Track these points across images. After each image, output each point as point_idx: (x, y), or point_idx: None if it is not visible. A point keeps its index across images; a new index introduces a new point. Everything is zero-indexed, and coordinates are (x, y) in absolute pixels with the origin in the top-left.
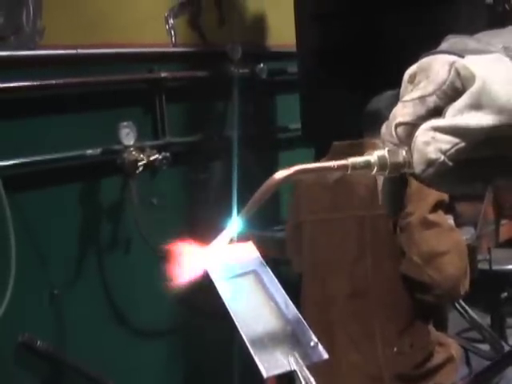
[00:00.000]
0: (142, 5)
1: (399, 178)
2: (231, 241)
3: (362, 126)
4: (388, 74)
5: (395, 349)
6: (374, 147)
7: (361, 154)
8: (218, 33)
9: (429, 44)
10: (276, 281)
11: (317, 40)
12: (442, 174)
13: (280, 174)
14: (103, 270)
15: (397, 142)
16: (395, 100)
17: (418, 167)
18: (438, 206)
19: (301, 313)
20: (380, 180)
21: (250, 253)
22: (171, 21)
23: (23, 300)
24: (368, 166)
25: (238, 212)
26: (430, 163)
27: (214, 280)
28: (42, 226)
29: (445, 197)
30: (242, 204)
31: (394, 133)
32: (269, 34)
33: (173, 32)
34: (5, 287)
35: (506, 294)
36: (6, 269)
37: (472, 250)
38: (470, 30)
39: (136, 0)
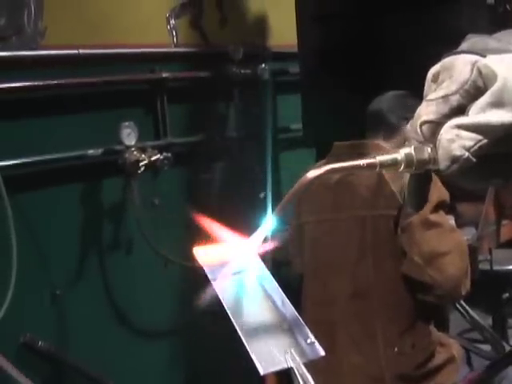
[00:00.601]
0: (144, 5)
1: (424, 174)
2: (265, 239)
3: (363, 126)
4: (389, 74)
5: (396, 349)
6: (376, 148)
7: (362, 154)
8: (219, 33)
9: (430, 45)
10: (273, 279)
11: (318, 41)
12: (466, 170)
13: (312, 174)
14: (105, 270)
15: (422, 140)
16: (397, 101)
17: (442, 164)
18: (439, 207)
19: (302, 313)
20: (397, 182)
21: (247, 251)
22: (173, 21)
23: (25, 300)
24: (395, 163)
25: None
26: (455, 160)
27: (211, 279)
28: (44, 227)
29: (446, 197)
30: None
31: (419, 131)
32: (270, 35)
33: (174, 32)
34: (6, 287)
35: (507, 294)
36: (7, 269)
37: (473, 251)
38: (472, 31)
39: (138, 0)
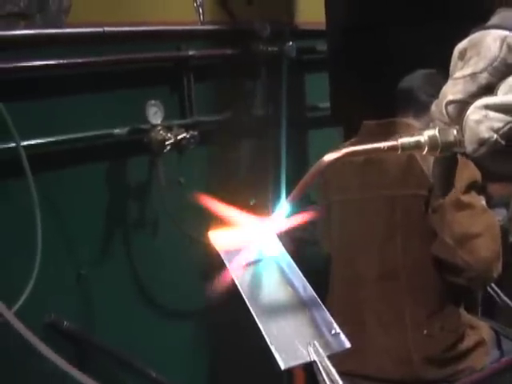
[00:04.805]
0: None
1: (450, 157)
2: (280, 223)
3: (393, 104)
4: (421, 51)
5: (425, 331)
6: (406, 126)
7: (392, 133)
8: (246, 10)
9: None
10: (294, 265)
11: (346, 18)
12: (494, 153)
13: (329, 157)
14: (129, 249)
15: (447, 121)
16: (427, 79)
17: (469, 146)
18: (471, 187)
19: (330, 293)
20: (428, 162)
21: (267, 237)
22: None
23: (49, 280)
24: (419, 146)
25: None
26: (482, 142)
27: (228, 266)
28: (68, 206)
29: (478, 177)
30: (267, 184)
31: (444, 111)
32: (298, 12)
33: (201, 10)
34: (31, 267)
35: None
36: (32, 249)
37: (504, 232)
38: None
39: None
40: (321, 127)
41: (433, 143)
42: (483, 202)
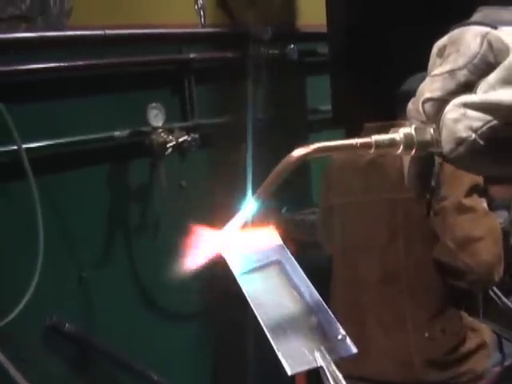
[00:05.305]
0: None
1: (426, 157)
2: (246, 224)
3: (394, 107)
4: (422, 53)
5: (426, 334)
6: None
7: None
8: (247, 13)
9: None
10: (299, 269)
11: (348, 21)
12: (472, 153)
13: (298, 152)
14: (131, 252)
15: (424, 119)
16: None
17: (446, 146)
18: (472, 190)
19: (332, 296)
20: (406, 160)
21: (271, 240)
22: (200, 1)
23: (51, 283)
24: (393, 144)
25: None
26: (460, 142)
27: (233, 271)
28: (70, 209)
29: (480, 180)
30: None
31: (421, 109)
32: (299, 15)
33: (202, 12)
34: (33, 270)
35: None
36: (33, 251)
37: (506, 235)
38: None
39: None
40: (322, 130)
41: (408, 142)
42: (485, 205)
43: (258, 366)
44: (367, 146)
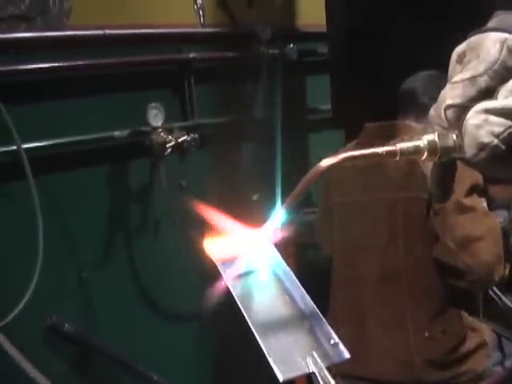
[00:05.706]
0: None
1: (447, 163)
2: (275, 231)
3: (394, 106)
4: (421, 53)
5: (427, 334)
6: (407, 129)
7: (393, 135)
8: (247, 13)
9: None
10: (291, 272)
11: (347, 20)
12: (494, 158)
13: (326, 162)
14: (131, 252)
15: (446, 126)
16: (430, 81)
17: (469, 151)
18: (472, 190)
19: (331, 296)
20: (428, 165)
21: (264, 246)
22: (200, 1)
23: (51, 283)
24: (417, 151)
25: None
26: (482, 147)
27: (224, 277)
28: (70, 209)
29: (479, 180)
30: (268, 187)
31: (443, 116)
32: (299, 14)
33: (201, 12)
34: (32, 270)
35: None
36: (33, 251)
37: (506, 234)
38: None
39: None
40: (322, 129)
41: (432, 148)
42: (484, 205)
43: (258, 366)
44: (392, 153)
